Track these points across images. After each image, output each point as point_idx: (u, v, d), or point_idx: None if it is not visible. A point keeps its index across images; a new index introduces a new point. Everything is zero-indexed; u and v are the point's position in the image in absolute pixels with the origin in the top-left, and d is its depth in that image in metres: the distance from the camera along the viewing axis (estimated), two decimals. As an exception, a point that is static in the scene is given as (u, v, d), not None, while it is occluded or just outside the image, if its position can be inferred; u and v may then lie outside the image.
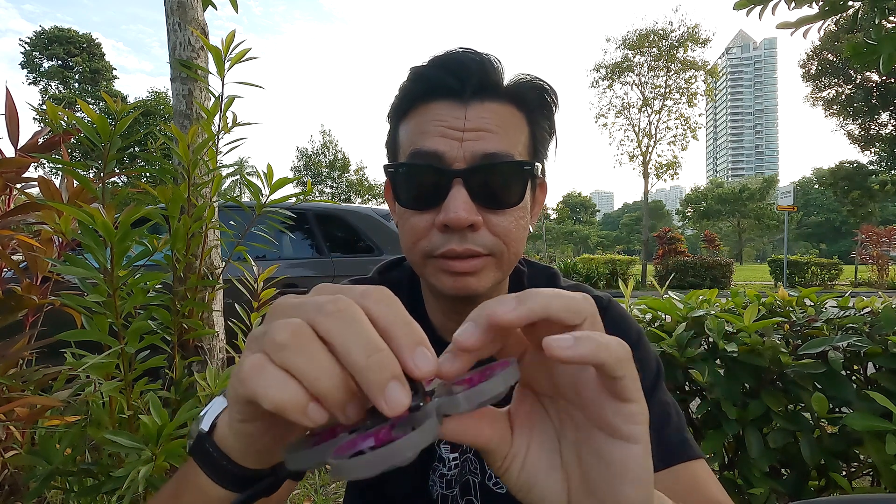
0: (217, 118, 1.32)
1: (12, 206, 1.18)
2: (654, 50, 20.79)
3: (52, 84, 30.72)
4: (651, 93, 21.21)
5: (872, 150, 23.28)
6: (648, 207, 22.69)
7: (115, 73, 33.10)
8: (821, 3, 1.37)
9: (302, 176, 33.00)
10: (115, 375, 1.07)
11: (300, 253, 3.48)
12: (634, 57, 21.20)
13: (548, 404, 0.34)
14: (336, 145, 35.59)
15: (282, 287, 1.67)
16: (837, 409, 1.22)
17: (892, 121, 22.00)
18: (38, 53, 30.81)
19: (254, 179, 1.37)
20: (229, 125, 1.36)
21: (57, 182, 1.23)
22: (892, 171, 23.31)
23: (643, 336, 0.66)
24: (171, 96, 1.51)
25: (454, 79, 0.54)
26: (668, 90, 20.97)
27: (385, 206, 3.86)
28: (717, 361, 1.27)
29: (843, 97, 22.34)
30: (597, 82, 22.18)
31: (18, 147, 1.13)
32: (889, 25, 1.35)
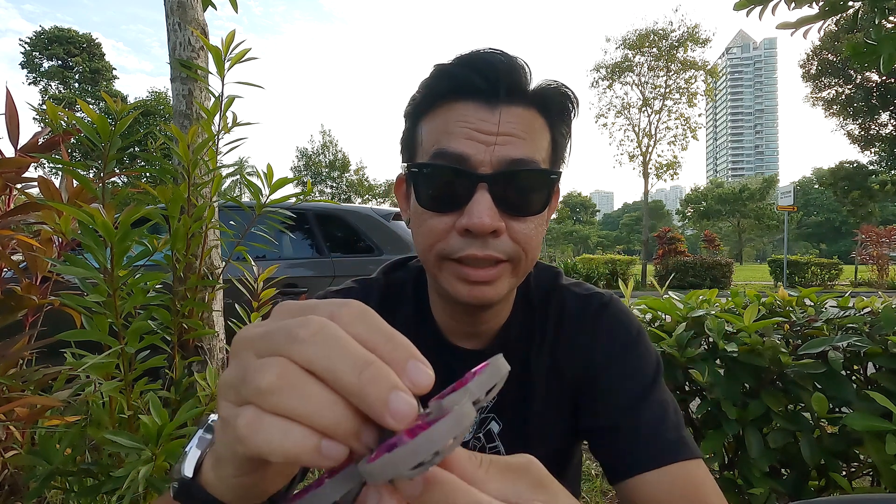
0: (217, 118, 1.32)
1: (12, 206, 1.18)
2: (654, 50, 20.78)
3: (52, 84, 30.72)
4: (651, 93, 21.21)
5: (872, 150, 23.27)
6: (648, 207, 22.69)
7: (115, 73, 33.10)
8: (821, 3, 1.37)
9: (302, 176, 33.00)
10: (115, 375, 1.06)
11: (300, 253, 3.47)
12: (634, 57, 21.19)
13: None
14: (336, 145, 35.62)
15: (282, 287, 1.67)
16: (837, 409, 1.22)
17: (892, 121, 21.99)
18: (38, 53, 30.81)
19: (254, 179, 1.37)
20: (229, 125, 1.36)
21: (57, 182, 1.23)
22: (892, 171, 23.30)
23: (643, 333, 0.66)
24: (171, 96, 1.51)
25: (483, 79, 0.53)
26: (668, 90, 20.96)
27: (385, 207, 3.86)
28: (717, 361, 1.27)
29: (843, 97, 22.33)
30: (597, 82, 22.17)
31: (18, 147, 1.13)
32: (889, 25, 1.35)
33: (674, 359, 1.28)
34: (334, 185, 35.20)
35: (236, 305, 1.55)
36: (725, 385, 1.21)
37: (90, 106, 1.26)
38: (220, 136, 1.33)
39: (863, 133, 22.94)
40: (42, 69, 30.90)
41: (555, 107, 0.58)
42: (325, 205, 3.66)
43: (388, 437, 0.23)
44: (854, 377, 1.26)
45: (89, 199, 1.18)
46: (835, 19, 1.43)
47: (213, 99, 1.32)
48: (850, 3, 1.36)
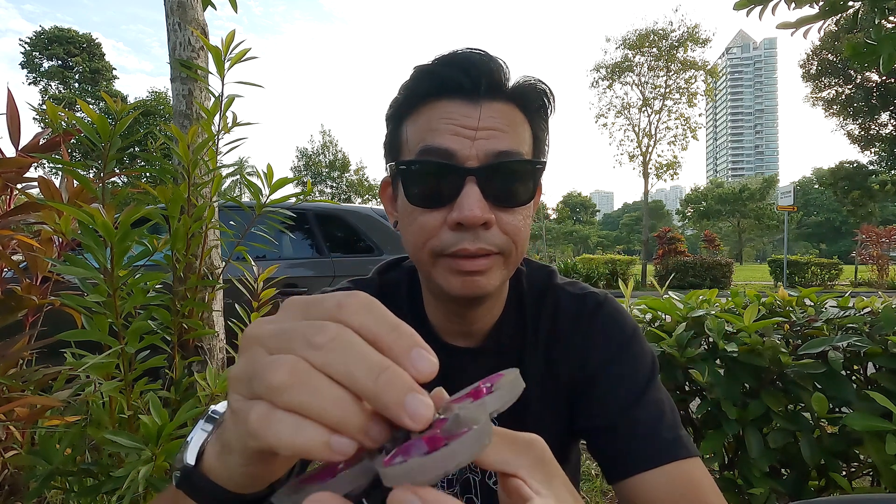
0: (217, 118, 1.32)
1: (12, 206, 1.18)
2: (654, 50, 20.78)
3: (52, 84, 30.73)
4: (651, 93, 21.21)
5: (872, 150, 23.27)
6: (648, 207, 22.70)
7: (115, 73, 33.12)
8: (821, 3, 1.37)
9: (302, 176, 32.99)
10: (115, 375, 1.06)
11: (300, 253, 3.47)
12: (634, 57, 21.19)
13: None
14: (336, 145, 35.60)
15: (282, 287, 1.67)
16: (837, 409, 1.22)
17: (892, 121, 21.99)
18: (38, 53, 30.82)
19: (254, 179, 1.37)
20: (229, 125, 1.36)
21: (57, 182, 1.23)
22: (892, 171, 23.30)
23: (638, 332, 0.66)
24: (171, 96, 1.51)
25: (466, 77, 0.54)
26: (668, 90, 20.97)
27: (385, 206, 3.84)
28: (717, 361, 1.27)
29: (843, 97, 22.33)
30: (597, 82, 22.17)
31: (19, 147, 1.13)
32: (889, 25, 1.35)
33: (674, 359, 1.28)
34: (334, 185, 35.19)
35: (236, 305, 1.55)
36: (725, 385, 1.21)
37: (90, 106, 1.26)
38: (220, 136, 1.33)
39: (863, 133, 22.94)
40: (42, 69, 30.91)
41: (533, 103, 0.59)
42: (325, 205, 3.66)
43: (400, 434, 0.24)
44: (854, 377, 1.26)
45: (89, 199, 1.18)
46: (835, 19, 1.43)
47: (213, 99, 1.32)
48: (850, 3, 1.36)
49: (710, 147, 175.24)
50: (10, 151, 1.13)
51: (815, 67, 22.42)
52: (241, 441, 0.27)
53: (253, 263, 1.52)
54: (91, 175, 1.14)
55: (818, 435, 1.18)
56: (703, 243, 27.44)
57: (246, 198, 3.03)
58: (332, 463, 0.26)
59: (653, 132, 21.06)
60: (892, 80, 19.79)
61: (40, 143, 1.17)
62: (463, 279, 0.55)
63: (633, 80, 21.48)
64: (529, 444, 0.29)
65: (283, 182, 1.37)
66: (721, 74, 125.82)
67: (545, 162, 0.60)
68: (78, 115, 1.56)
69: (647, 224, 21.45)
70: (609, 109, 22.06)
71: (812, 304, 1.41)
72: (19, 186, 1.16)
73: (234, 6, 1.52)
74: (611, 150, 30.91)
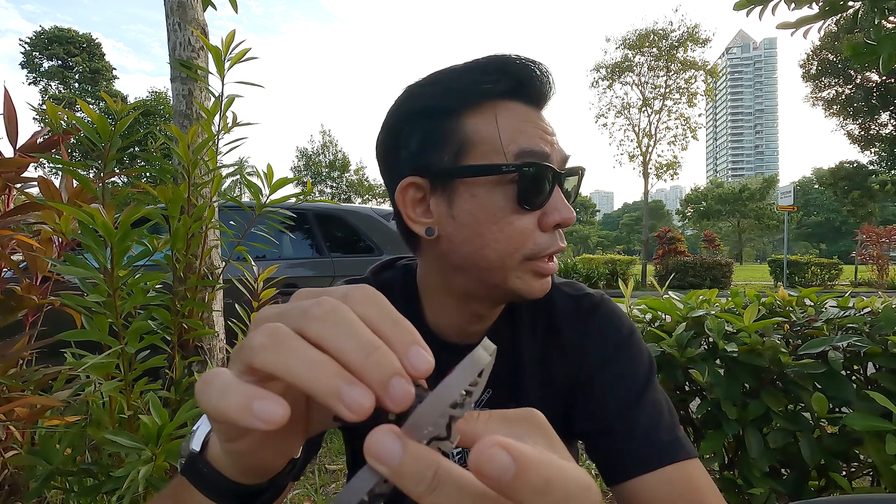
0: (217, 118, 1.32)
1: (12, 206, 1.18)
2: (654, 50, 20.78)
3: (52, 84, 30.73)
4: (651, 93, 21.21)
5: (872, 150, 23.27)
6: (648, 207, 22.70)
7: (115, 73, 33.12)
8: (821, 3, 1.37)
9: (302, 176, 33.00)
10: (115, 375, 1.07)
11: (300, 253, 3.48)
12: (634, 57, 21.19)
13: None
14: (336, 145, 35.60)
15: (282, 287, 1.67)
16: (837, 409, 1.22)
17: (892, 121, 22.00)
18: (38, 53, 30.82)
19: (254, 179, 1.37)
20: (229, 125, 1.36)
21: (57, 182, 1.23)
22: (892, 171, 23.30)
23: (635, 333, 0.66)
24: (171, 96, 1.51)
25: (542, 84, 0.56)
26: (668, 90, 20.96)
27: (385, 206, 3.85)
28: (717, 361, 1.27)
29: (843, 97, 22.33)
30: (597, 82, 22.16)
31: (18, 147, 1.13)
32: (889, 25, 1.35)
33: (674, 359, 1.28)
34: (334, 185, 35.19)
35: (236, 305, 1.55)
36: (725, 385, 1.21)
37: (90, 106, 1.26)
38: (220, 136, 1.33)
39: (863, 133, 22.94)
40: (42, 69, 30.91)
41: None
42: (325, 205, 3.65)
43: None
44: (854, 377, 1.26)
45: (89, 199, 1.18)
46: (835, 19, 1.43)
47: (213, 99, 1.32)
48: (850, 3, 1.36)
49: (710, 147, 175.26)
50: (9, 152, 1.13)
51: (815, 67, 22.43)
52: (203, 411, 0.26)
53: (253, 263, 1.52)
54: (91, 175, 1.14)
55: (818, 435, 1.18)
56: (703, 243, 27.44)
57: (246, 198, 3.03)
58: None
59: (653, 132, 21.06)
60: (892, 80, 19.79)
61: (38, 142, 1.17)
62: (542, 281, 0.58)
63: (633, 80, 21.48)
64: (524, 417, 0.27)
65: (283, 182, 1.37)
66: (721, 74, 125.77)
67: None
68: (78, 115, 1.56)
69: (647, 224, 21.45)
70: (609, 109, 22.05)
71: (812, 304, 1.41)
72: (19, 186, 1.16)
73: (234, 6, 1.52)
74: (611, 150, 30.85)
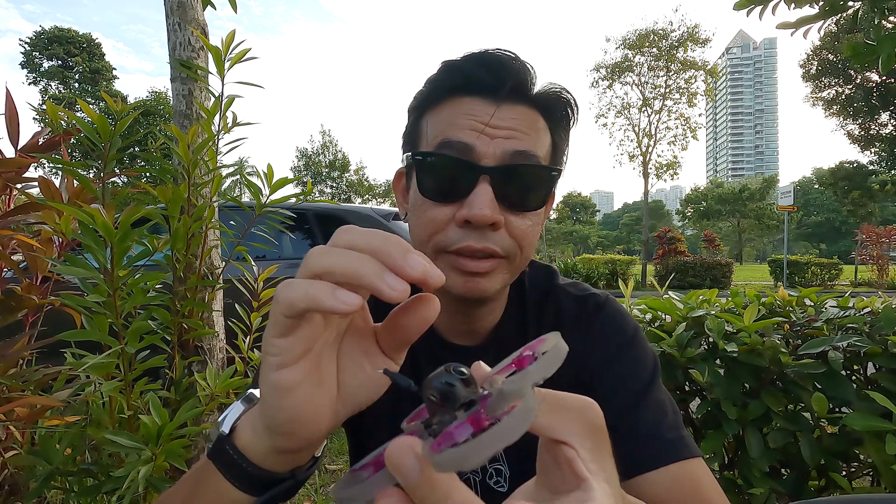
0: (217, 118, 1.32)
1: (12, 206, 1.18)
2: (654, 50, 20.77)
3: (52, 84, 30.73)
4: (651, 93, 21.19)
5: (872, 150, 23.25)
6: (648, 207, 22.69)
7: (115, 73, 33.12)
8: (821, 3, 1.37)
9: (302, 176, 32.98)
10: (115, 375, 1.07)
11: (300, 253, 3.47)
12: (634, 57, 21.18)
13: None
14: (336, 145, 35.59)
15: (282, 287, 1.67)
16: (837, 409, 1.22)
17: (892, 121, 21.98)
18: (38, 53, 30.82)
19: (254, 179, 1.37)
20: (229, 125, 1.36)
21: (57, 182, 1.23)
22: (892, 171, 23.29)
23: (639, 334, 0.66)
24: (171, 96, 1.51)
25: (492, 76, 0.55)
26: (668, 90, 20.95)
27: (385, 206, 3.85)
28: (717, 361, 1.27)
29: (843, 97, 22.32)
30: (597, 82, 22.16)
31: (18, 147, 1.13)
32: (889, 25, 1.35)
33: (674, 359, 1.28)
34: (334, 185, 35.18)
35: (236, 305, 1.55)
36: (725, 385, 1.21)
37: (90, 106, 1.26)
38: (220, 136, 1.33)
39: (863, 133, 22.92)
40: (42, 69, 30.91)
41: (556, 111, 0.59)
42: (325, 205, 3.65)
43: (446, 417, 0.24)
44: (854, 377, 1.26)
45: (89, 199, 1.18)
46: (835, 19, 1.43)
47: (213, 99, 1.32)
48: (850, 3, 1.36)
49: (710, 147, 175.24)
50: (9, 152, 1.13)
51: (815, 67, 22.41)
52: (273, 314, 0.32)
53: (253, 263, 1.52)
54: (91, 175, 1.14)
55: (818, 435, 1.18)
56: (703, 243, 27.44)
57: (246, 198, 3.03)
58: (379, 457, 0.27)
59: (653, 132, 21.05)
60: (892, 80, 19.79)
61: (39, 142, 1.17)
62: (465, 279, 0.55)
63: (633, 80, 21.47)
64: (583, 408, 0.27)
65: (283, 182, 1.37)
66: (721, 74, 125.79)
67: (561, 170, 0.59)
68: (78, 115, 1.56)
69: (647, 224, 21.45)
70: (609, 109, 22.04)
71: (812, 304, 1.41)
72: (19, 186, 1.16)
73: (234, 6, 1.52)
74: (611, 150, 30.80)
